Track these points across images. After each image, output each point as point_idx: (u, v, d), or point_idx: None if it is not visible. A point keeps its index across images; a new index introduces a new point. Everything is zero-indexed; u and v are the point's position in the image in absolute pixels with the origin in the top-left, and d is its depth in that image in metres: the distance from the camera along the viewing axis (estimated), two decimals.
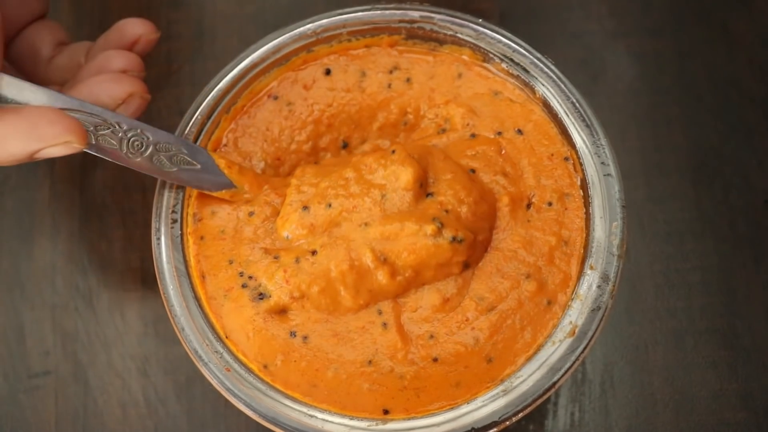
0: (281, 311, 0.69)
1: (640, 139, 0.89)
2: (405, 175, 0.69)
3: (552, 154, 0.72)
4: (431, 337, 0.68)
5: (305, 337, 0.68)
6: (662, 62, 0.91)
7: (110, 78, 0.70)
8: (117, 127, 0.67)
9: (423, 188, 0.70)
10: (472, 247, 0.69)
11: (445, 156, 0.72)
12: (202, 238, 0.71)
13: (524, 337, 0.67)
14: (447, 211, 0.69)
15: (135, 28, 0.74)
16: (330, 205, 0.69)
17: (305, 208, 0.69)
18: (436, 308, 0.69)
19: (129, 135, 0.68)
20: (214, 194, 0.70)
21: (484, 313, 0.68)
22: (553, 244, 0.69)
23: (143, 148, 0.68)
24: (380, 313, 0.68)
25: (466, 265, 0.69)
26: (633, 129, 0.89)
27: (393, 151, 0.70)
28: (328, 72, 0.76)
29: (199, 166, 0.70)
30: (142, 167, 0.69)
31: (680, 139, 0.89)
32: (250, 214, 0.72)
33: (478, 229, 0.69)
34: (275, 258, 0.69)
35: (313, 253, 0.68)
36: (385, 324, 0.68)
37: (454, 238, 0.67)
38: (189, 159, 0.69)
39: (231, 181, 0.70)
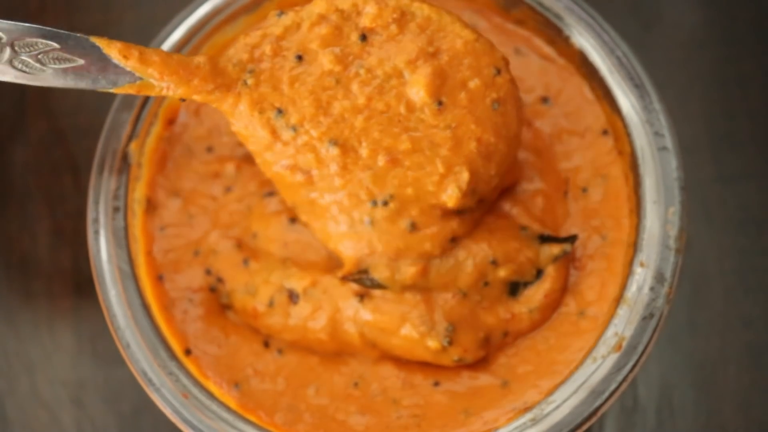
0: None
1: (705, 102, 0.90)
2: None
3: (586, 128, 0.73)
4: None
5: (280, 350, 0.71)
6: (735, 4, 0.92)
7: None
8: None
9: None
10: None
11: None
12: (162, 229, 0.73)
13: (550, 353, 0.70)
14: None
15: None
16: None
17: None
18: None
19: None
20: (115, 91, 0.67)
21: None
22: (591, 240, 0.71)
23: None
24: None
25: None
26: (697, 90, 0.90)
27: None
28: None
29: (82, 61, 0.66)
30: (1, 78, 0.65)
31: (757, 103, 0.90)
32: (227, 189, 0.73)
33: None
34: (245, 263, 0.71)
35: (291, 296, 0.70)
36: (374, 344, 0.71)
37: (460, 359, 0.69)
38: (65, 54, 0.66)
39: (132, 72, 0.66)
